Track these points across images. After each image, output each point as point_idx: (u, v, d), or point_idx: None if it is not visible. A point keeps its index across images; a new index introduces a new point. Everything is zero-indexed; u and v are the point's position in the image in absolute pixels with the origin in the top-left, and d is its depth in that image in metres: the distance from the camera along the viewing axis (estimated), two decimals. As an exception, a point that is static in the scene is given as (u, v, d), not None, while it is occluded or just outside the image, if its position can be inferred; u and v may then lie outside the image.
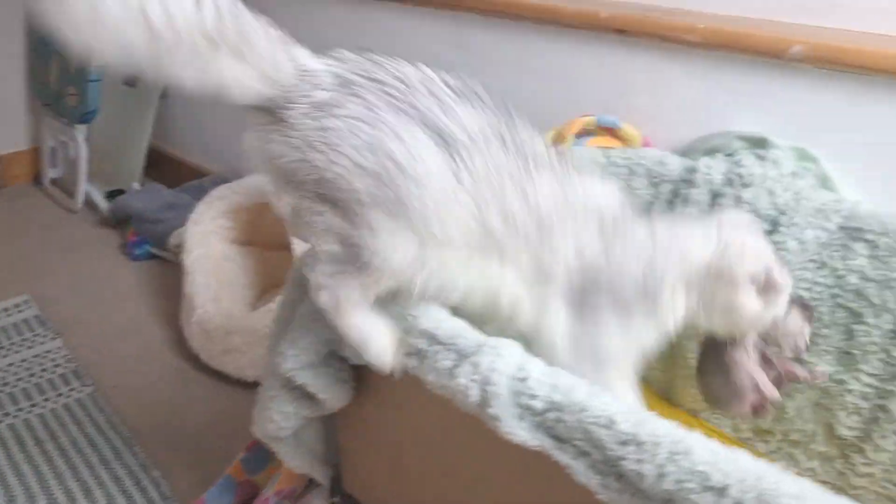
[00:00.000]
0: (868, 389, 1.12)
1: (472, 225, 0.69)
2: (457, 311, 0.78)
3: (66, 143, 2.48)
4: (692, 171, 1.21)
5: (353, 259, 0.70)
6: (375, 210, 0.67)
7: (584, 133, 1.43)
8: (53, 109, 2.47)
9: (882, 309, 1.08)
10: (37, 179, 2.70)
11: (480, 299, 0.76)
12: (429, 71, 0.70)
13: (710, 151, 1.27)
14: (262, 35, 0.68)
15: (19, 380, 1.63)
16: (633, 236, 0.77)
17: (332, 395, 0.92)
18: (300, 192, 0.69)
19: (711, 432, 1.25)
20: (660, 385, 1.24)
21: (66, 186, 2.58)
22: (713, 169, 1.18)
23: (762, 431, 1.25)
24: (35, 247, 2.23)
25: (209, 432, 1.52)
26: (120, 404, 1.56)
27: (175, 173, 2.63)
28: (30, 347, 1.74)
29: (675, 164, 1.24)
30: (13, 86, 2.64)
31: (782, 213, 1.12)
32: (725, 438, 1.26)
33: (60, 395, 1.59)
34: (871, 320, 1.10)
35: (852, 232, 1.09)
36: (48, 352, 1.73)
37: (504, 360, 0.73)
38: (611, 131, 1.43)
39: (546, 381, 0.71)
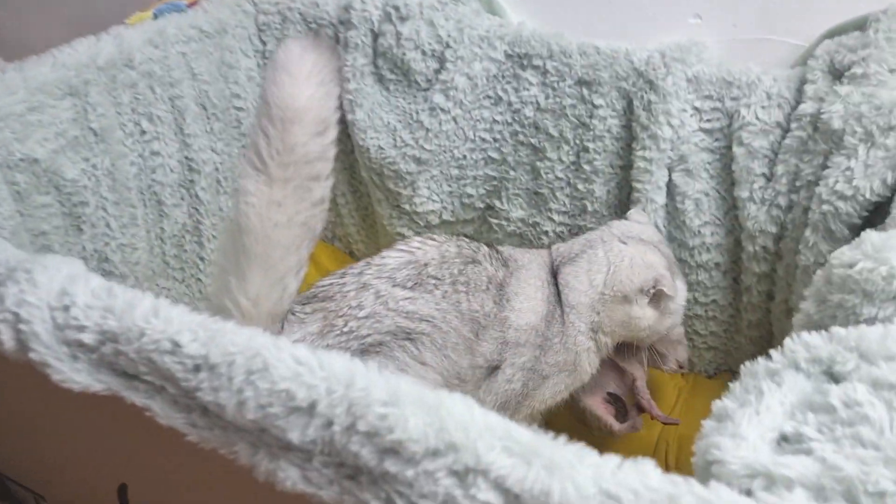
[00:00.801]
0: (561, 228, 1.06)
1: None
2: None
3: None
4: (348, 8, 1.03)
5: None
6: None
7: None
8: None
9: (560, 140, 1.00)
10: None
11: None
12: (384, 287, 0.78)
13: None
14: None
15: None
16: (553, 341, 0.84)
17: None
18: None
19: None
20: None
21: None
22: (368, 4, 1.01)
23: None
24: None
25: None
26: None
27: None
28: None
29: (331, 4, 1.05)
30: None
31: (447, 46, 0.99)
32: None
33: None
34: (552, 154, 1.02)
35: (520, 59, 0.98)
36: None
37: (39, 288, 0.53)
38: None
39: (97, 304, 0.52)
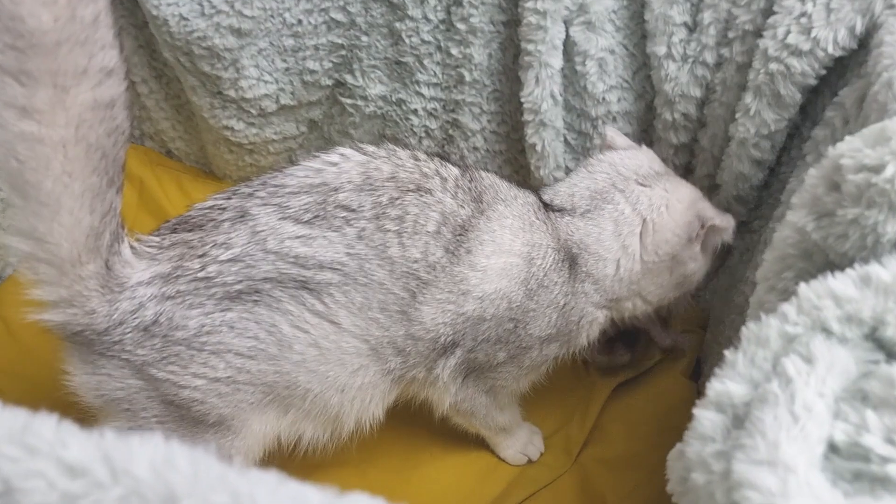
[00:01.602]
0: (434, 105, 0.85)
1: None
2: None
3: None
4: None
5: None
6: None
7: None
8: None
9: (424, -8, 0.76)
10: None
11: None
12: (267, 220, 0.57)
13: None
14: None
15: None
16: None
17: None
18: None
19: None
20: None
21: None
22: None
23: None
24: None
25: None
26: None
27: None
28: None
29: None
30: None
31: None
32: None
33: None
34: (414, 12, 0.78)
35: None
36: None
37: None
38: None
39: None
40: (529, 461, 0.77)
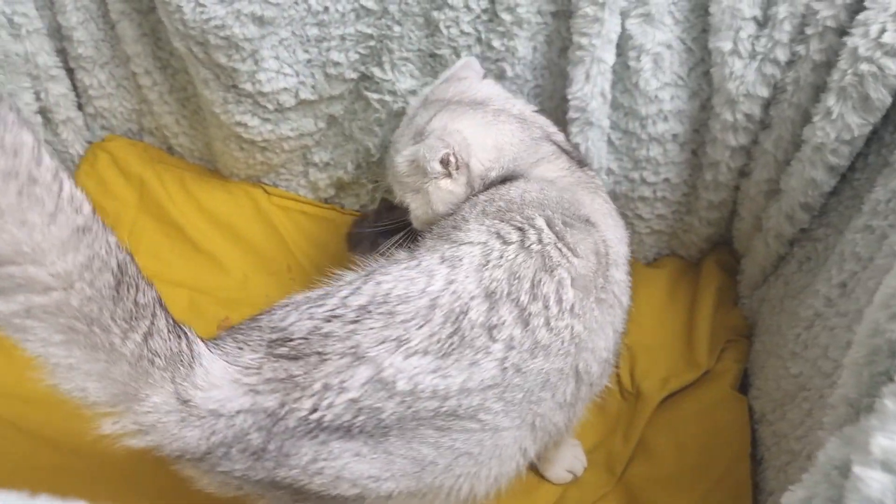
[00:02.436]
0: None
1: None
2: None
3: None
4: None
5: None
6: None
7: None
8: None
9: (468, -20, 0.70)
10: None
11: None
12: (390, 360, 0.49)
13: None
14: None
15: None
16: None
17: None
18: None
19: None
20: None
21: None
22: None
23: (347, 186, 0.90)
24: None
25: None
26: None
27: None
28: None
29: None
30: None
31: None
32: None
33: None
34: (455, 0, 0.72)
35: None
36: None
37: None
38: None
39: None
40: (574, 478, 0.72)
